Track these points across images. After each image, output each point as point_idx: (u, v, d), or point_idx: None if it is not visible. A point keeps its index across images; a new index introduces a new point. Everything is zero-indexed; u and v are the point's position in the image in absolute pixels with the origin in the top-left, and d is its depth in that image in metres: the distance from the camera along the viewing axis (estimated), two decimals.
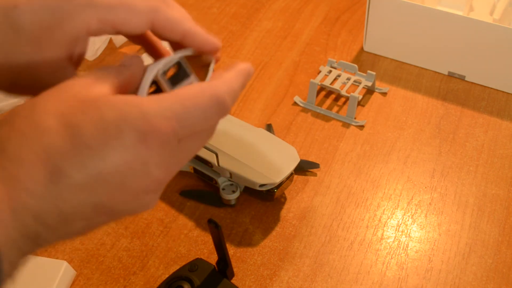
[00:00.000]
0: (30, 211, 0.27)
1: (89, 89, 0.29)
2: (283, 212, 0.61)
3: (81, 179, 0.27)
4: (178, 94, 0.30)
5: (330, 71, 0.75)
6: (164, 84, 0.32)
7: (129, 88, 0.32)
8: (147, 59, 0.36)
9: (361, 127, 0.71)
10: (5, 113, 0.71)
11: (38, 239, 0.28)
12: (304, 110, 0.73)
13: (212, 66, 0.33)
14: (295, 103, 0.74)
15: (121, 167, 0.28)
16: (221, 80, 0.32)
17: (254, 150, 0.59)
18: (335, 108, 0.73)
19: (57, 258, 0.56)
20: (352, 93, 0.70)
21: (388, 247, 0.58)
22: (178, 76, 0.32)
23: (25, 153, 0.27)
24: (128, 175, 0.28)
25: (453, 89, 0.76)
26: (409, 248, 0.58)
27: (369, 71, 0.74)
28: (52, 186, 0.27)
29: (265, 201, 0.62)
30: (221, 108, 0.31)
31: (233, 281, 0.53)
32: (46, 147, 0.27)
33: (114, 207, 0.29)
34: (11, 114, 0.28)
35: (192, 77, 0.33)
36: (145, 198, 0.30)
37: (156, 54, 0.39)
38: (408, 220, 0.61)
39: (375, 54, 0.81)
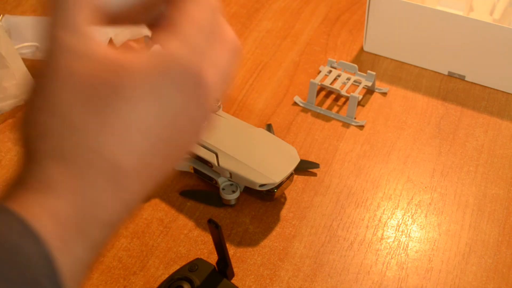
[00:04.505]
0: (100, 227, 0.26)
1: (100, 46, 0.26)
2: (283, 212, 0.61)
3: (139, 165, 0.26)
4: (189, 18, 0.27)
5: (330, 71, 0.75)
6: None
7: None
8: None
9: (361, 127, 0.71)
10: (11, 113, 0.71)
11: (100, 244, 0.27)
12: (304, 110, 0.73)
13: None
14: (295, 103, 0.74)
15: (174, 125, 0.27)
16: None
17: (254, 150, 0.59)
18: (335, 108, 0.73)
19: None
20: (352, 93, 0.70)
21: (388, 247, 0.58)
22: None
23: (100, 181, 0.25)
24: (181, 131, 0.27)
25: (453, 89, 0.76)
26: (409, 248, 0.58)
27: (369, 71, 0.74)
28: (121, 193, 0.26)
29: (265, 201, 0.62)
30: (219, 10, 0.29)
31: (233, 281, 0.53)
32: (109, 162, 0.25)
33: (176, 158, 0.28)
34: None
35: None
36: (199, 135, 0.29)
37: None
38: (408, 220, 0.61)
39: (375, 54, 0.81)
